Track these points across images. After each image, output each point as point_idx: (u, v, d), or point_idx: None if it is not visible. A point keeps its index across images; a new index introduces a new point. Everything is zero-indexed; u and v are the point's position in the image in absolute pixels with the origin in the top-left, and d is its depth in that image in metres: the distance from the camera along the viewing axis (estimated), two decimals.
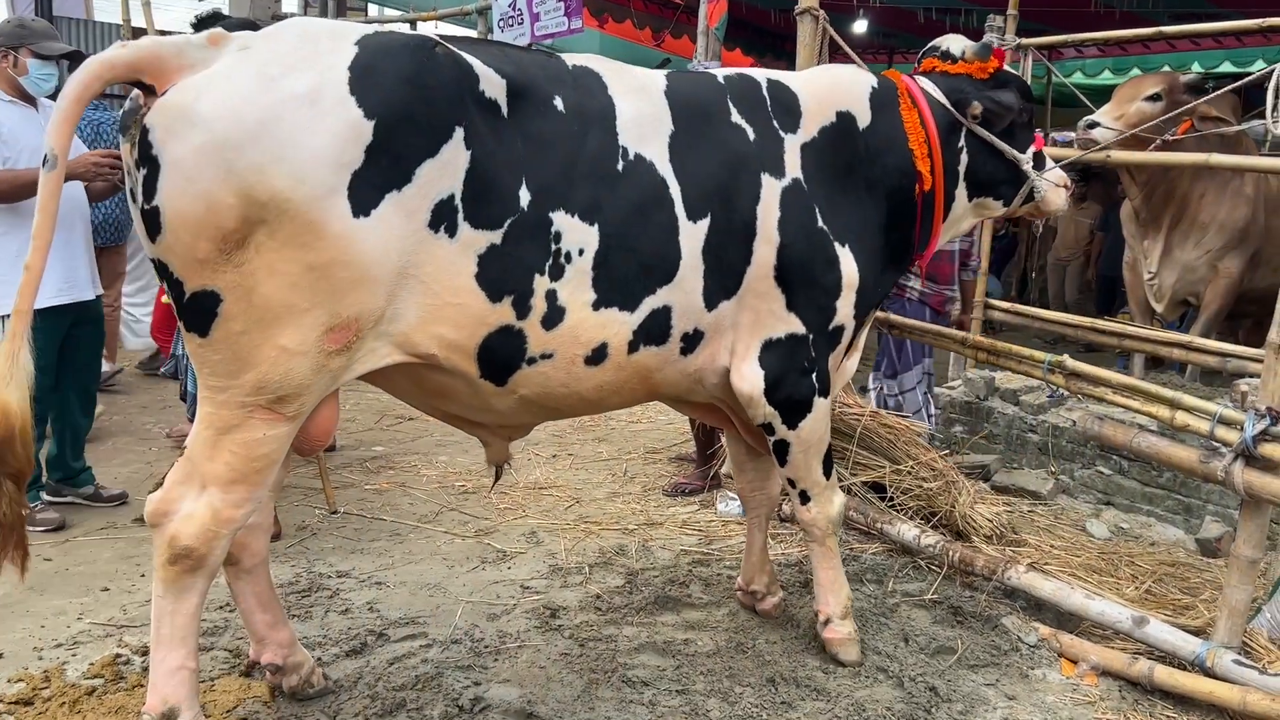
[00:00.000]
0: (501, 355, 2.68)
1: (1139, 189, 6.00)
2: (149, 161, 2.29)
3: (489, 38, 8.88)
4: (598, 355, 2.81)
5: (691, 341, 3.00)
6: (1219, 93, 4.39)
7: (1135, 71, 9.50)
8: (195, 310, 2.38)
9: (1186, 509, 5.07)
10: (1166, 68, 8.03)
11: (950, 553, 4.12)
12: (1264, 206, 6.05)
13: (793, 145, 3.09)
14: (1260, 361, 4.93)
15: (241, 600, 3.04)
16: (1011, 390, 5.89)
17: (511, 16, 8.85)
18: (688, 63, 8.26)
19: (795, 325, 3.12)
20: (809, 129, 3.13)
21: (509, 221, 2.57)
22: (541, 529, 4.73)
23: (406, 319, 2.52)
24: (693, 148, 2.90)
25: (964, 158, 3.40)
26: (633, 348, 2.86)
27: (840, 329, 3.23)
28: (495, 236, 2.56)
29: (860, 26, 12.73)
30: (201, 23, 3.96)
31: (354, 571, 4.14)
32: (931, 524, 4.59)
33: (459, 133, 2.47)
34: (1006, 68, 3.47)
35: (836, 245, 3.12)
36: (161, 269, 2.40)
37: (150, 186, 2.30)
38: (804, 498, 3.45)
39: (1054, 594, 3.80)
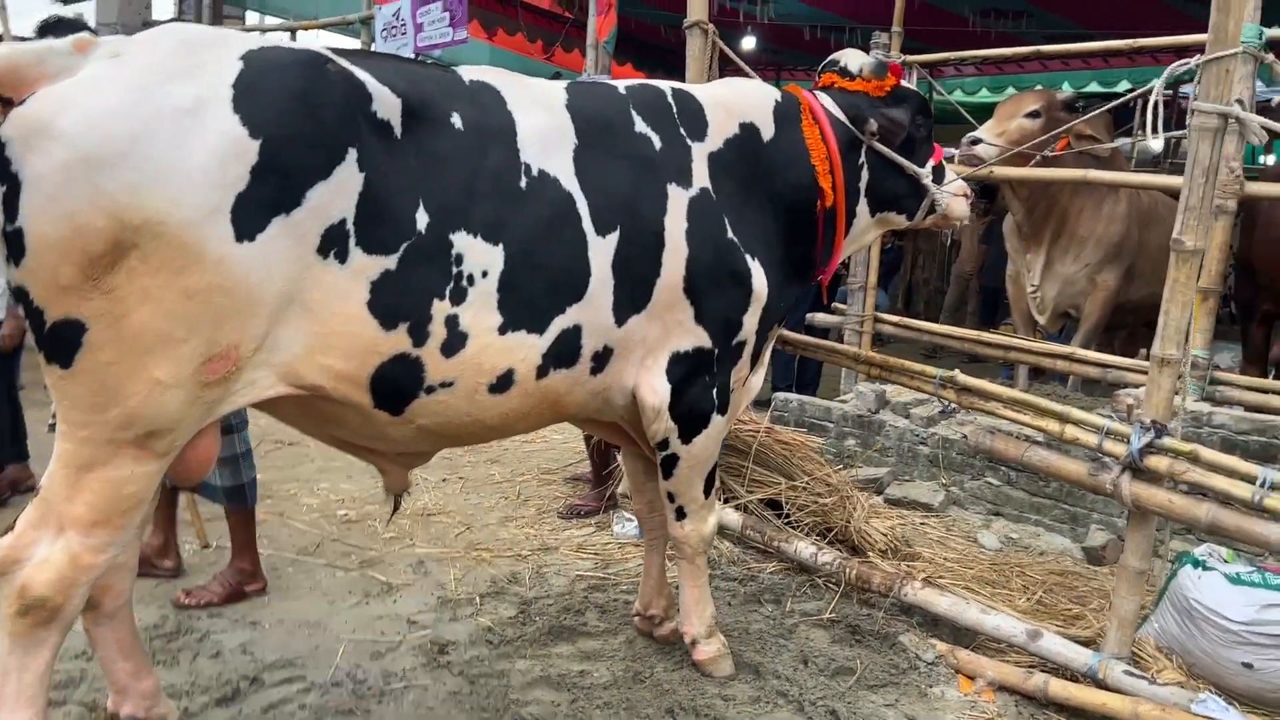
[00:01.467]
0: (397, 385, 2.55)
1: (1021, 204, 6.14)
2: (7, 179, 2.09)
3: (371, 48, 8.64)
4: (503, 382, 2.70)
5: (601, 360, 2.91)
6: (1096, 112, 4.48)
7: (1010, 90, 9.80)
8: (57, 340, 2.18)
9: (1073, 518, 5.16)
10: (1039, 87, 8.26)
11: (847, 570, 4.09)
12: (1137, 221, 6.25)
13: (700, 154, 3.04)
14: (1140, 372, 5.10)
15: (100, 648, 2.79)
16: (903, 403, 5.93)
17: (395, 26, 8.62)
18: (578, 76, 8.15)
19: (702, 338, 3.06)
20: (715, 139, 3.09)
21: (405, 245, 2.45)
22: (430, 558, 4.53)
23: (291, 349, 2.38)
24: (598, 160, 2.82)
25: (865, 174, 3.40)
26: (542, 372, 2.76)
27: (743, 344, 3.20)
28: (390, 262, 2.44)
29: (749, 43, 12.86)
30: (46, 28, 3.68)
31: (226, 611, 3.88)
32: (828, 540, 4.56)
33: (352, 154, 2.35)
34: (904, 84, 3.47)
35: (746, 257, 3.08)
36: (20, 295, 2.19)
37: (11, 206, 2.10)
38: (680, 513, 3.39)
39: (949, 609, 3.80)
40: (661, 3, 10.90)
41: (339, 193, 2.34)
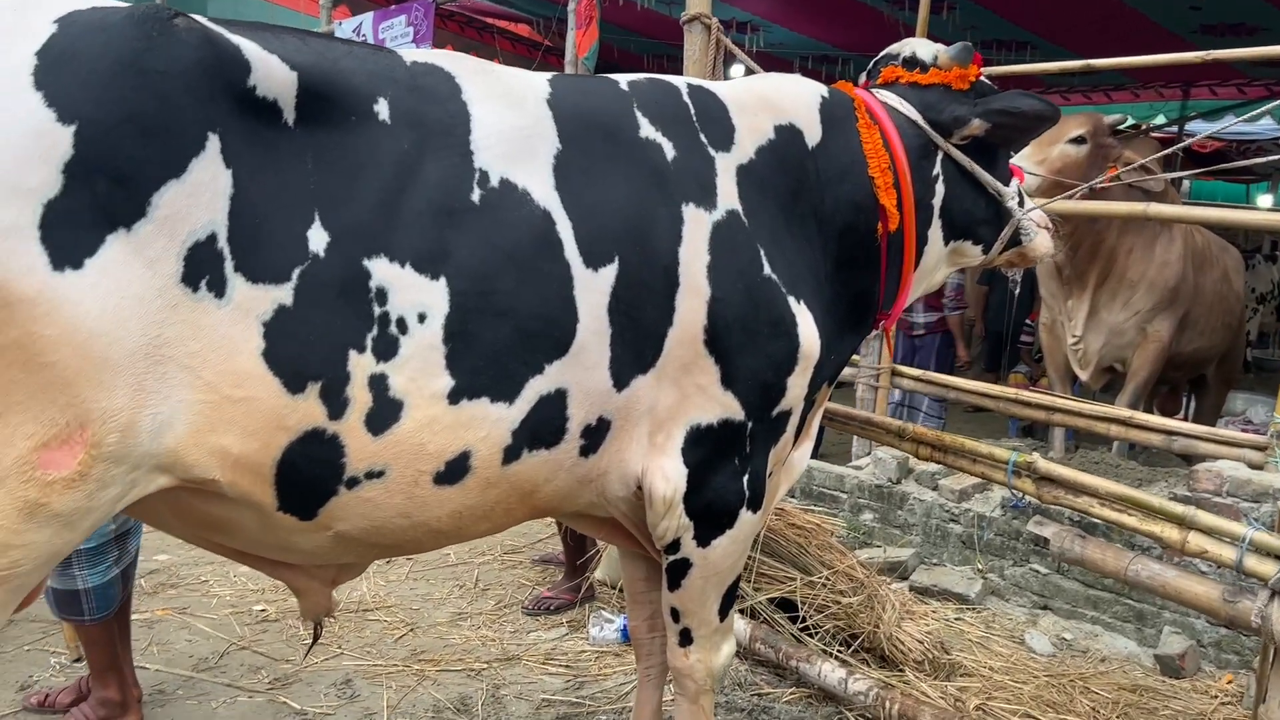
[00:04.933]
0: (309, 475, 1.81)
1: (1062, 242, 5.34)
2: None
3: None
4: (455, 470, 1.93)
5: (595, 436, 2.11)
6: (1213, 130, 3.70)
7: None
8: None
9: (1139, 615, 4.33)
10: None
11: (887, 704, 3.22)
12: (1192, 263, 5.49)
13: (726, 167, 2.24)
14: (1218, 442, 4.28)
15: None
16: (929, 473, 5.09)
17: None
18: None
19: (731, 408, 2.23)
20: (745, 147, 2.29)
21: (299, 271, 1.73)
22: (360, 674, 3.63)
23: (173, 428, 1.67)
24: (589, 171, 2.07)
25: (939, 189, 2.58)
26: (511, 455, 1.99)
27: (786, 415, 2.36)
28: (284, 294, 1.72)
29: (738, 72, 12.22)
30: None
31: None
32: (852, 649, 3.72)
33: (214, 142, 1.66)
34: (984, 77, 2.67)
35: (789, 299, 2.26)
36: None
37: None
38: (685, 637, 2.53)
39: None
40: (644, 30, 10.26)
41: (200, 196, 1.65)
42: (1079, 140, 5.10)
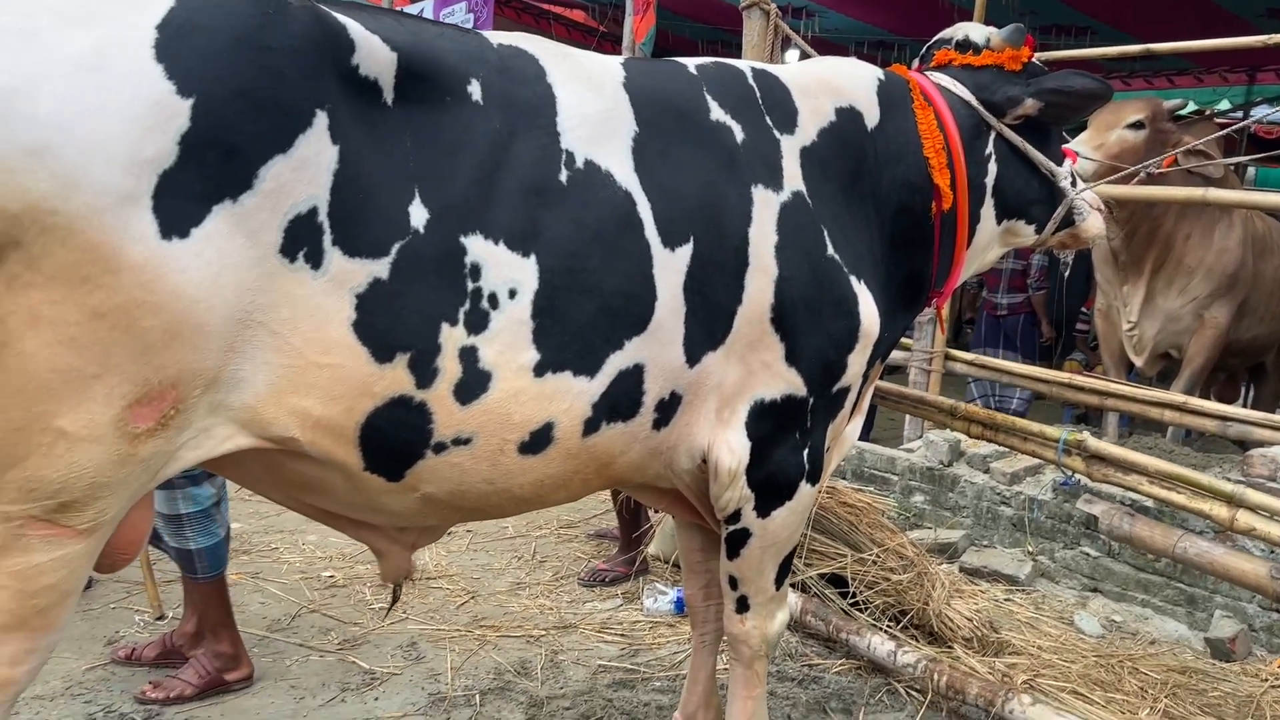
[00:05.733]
0: (396, 439, 1.90)
1: (1119, 228, 5.33)
2: None
3: None
4: (539, 440, 2.02)
5: (667, 410, 2.21)
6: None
7: None
8: None
9: (1190, 599, 4.35)
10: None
11: (935, 675, 3.29)
12: (1252, 250, 5.44)
13: (791, 149, 2.33)
14: (1273, 428, 4.28)
15: None
16: (980, 456, 5.13)
17: None
18: None
19: (795, 384, 2.33)
20: (807, 130, 2.38)
21: (398, 247, 1.81)
22: (424, 638, 3.78)
23: (254, 387, 1.76)
24: (665, 153, 2.15)
25: (992, 168, 2.66)
26: (591, 427, 2.08)
27: (845, 391, 2.46)
28: (380, 268, 1.80)
29: (792, 56, 12.21)
30: None
31: (168, 710, 3.15)
32: (901, 625, 3.79)
33: (321, 119, 1.73)
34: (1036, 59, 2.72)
35: (851, 279, 2.36)
36: None
37: None
38: (742, 604, 2.63)
39: None
40: (699, 15, 10.25)
41: (305, 171, 1.72)
42: (1137, 125, 5.08)
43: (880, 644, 3.50)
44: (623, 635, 3.92)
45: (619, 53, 7.26)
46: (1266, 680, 3.87)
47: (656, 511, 4.65)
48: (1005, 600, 4.47)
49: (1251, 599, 4.19)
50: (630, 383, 2.10)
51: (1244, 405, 7.02)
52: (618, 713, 3.27)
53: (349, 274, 1.78)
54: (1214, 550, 2.71)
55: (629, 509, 4.49)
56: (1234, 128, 4.52)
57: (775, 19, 3.69)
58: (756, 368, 2.30)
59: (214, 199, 1.64)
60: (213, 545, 3.23)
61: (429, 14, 8.59)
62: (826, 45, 11.47)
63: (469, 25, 8.03)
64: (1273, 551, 2.65)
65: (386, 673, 3.49)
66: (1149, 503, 3.45)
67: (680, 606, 4.11)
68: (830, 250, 2.32)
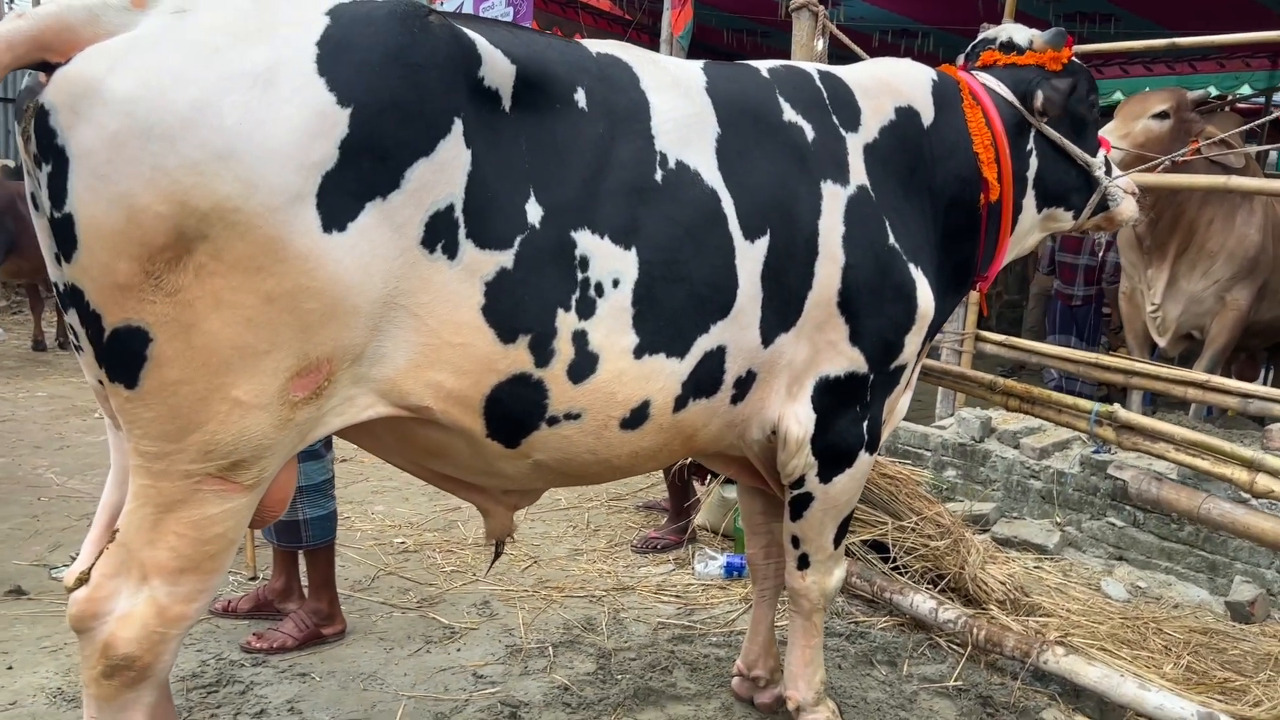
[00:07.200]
0: (515, 411, 2.17)
1: (1144, 214, 5.55)
2: (53, 154, 1.72)
3: None
4: (637, 416, 2.29)
5: (744, 386, 2.48)
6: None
7: (1118, 95, 9.17)
8: (118, 352, 1.82)
9: (1211, 566, 4.59)
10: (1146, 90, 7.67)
11: (974, 630, 3.56)
12: (1272, 234, 5.65)
13: (855, 146, 2.59)
14: None
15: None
16: (1010, 432, 5.38)
17: None
18: None
19: (858, 361, 2.61)
20: (870, 128, 2.64)
21: (520, 240, 2.07)
22: (495, 597, 4.08)
23: (394, 361, 2.02)
24: (744, 152, 2.40)
25: (1033, 162, 2.93)
26: (680, 404, 2.34)
27: (903, 368, 2.74)
28: (506, 259, 2.05)
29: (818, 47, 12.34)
30: None
31: (273, 659, 3.45)
32: (939, 588, 4.06)
33: (458, 125, 1.98)
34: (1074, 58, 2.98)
35: (910, 266, 2.63)
36: (74, 297, 1.82)
37: (58, 188, 1.73)
38: (803, 562, 2.91)
39: (1100, 682, 3.26)
40: (735, 7, 10.41)
41: (444, 172, 1.97)
42: (1161, 115, 5.29)
43: (922, 602, 3.77)
44: (677, 596, 4.20)
45: (654, 45, 7.48)
46: None
47: (705, 483, 4.93)
48: (1035, 568, 4.72)
49: (1270, 565, 4.43)
50: (714, 363, 2.36)
51: (1264, 384, 7.24)
52: (680, 663, 3.56)
53: (479, 264, 2.03)
54: (1235, 511, 2.96)
55: (681, 479, 4.76)
56: (1257, 122, 4.71)
57: (824, 20, 3.93)
58: (823, 347, 2.56)
59: (367, 197, 1.88)
60: (321, 516, 3.56)
61: (468, 7, 8.81)
62: (852, 34, 11.56)
63: (509, 18, 8.25)
64: None
65: (465, 628, 3.78)
66: (1173, 475, 3.69)
67: (729, 571, 4.39)
68: (892, 240, 2.58)
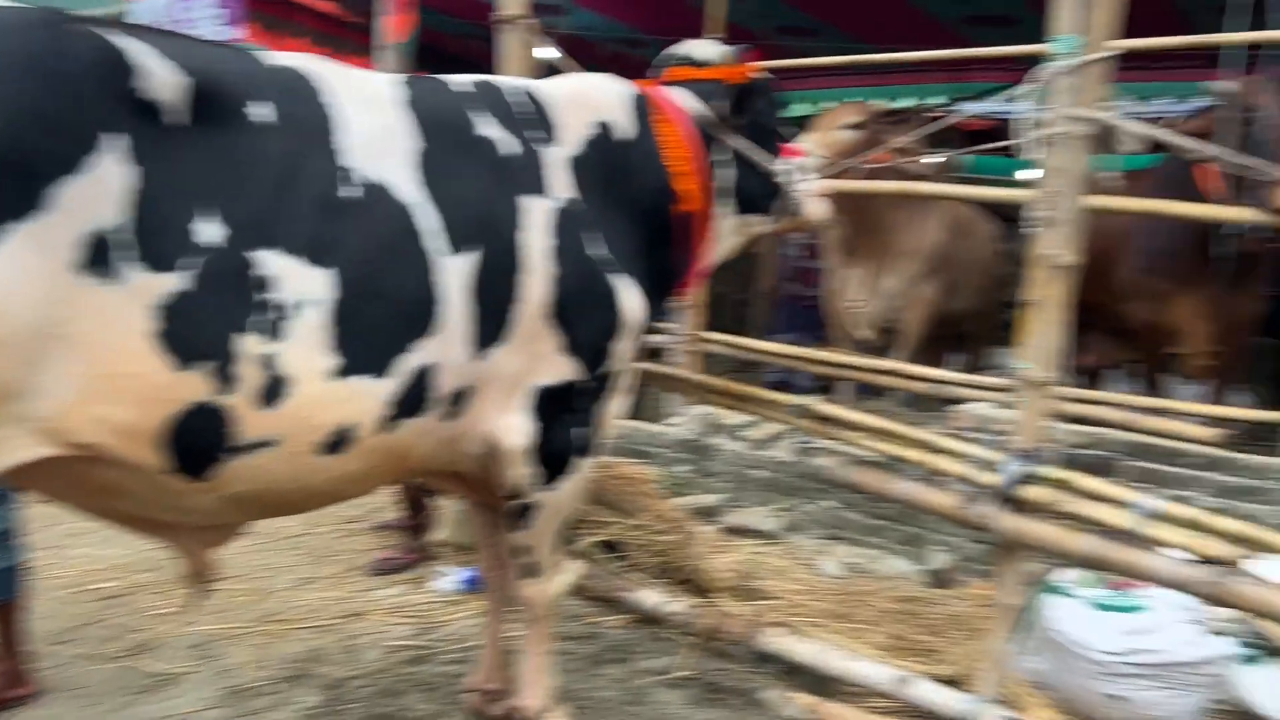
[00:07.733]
0: (199, 442, 2.04)
1: (837, 216, 5.99)
2: None
3: None
4: (340, 440, 2.21)
5: (458, 402, 2.46)
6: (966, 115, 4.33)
7: (823, 105, 9.82)
8: None
9: (912, 539, 5.01)
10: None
11: (699, 620, 3.72)
12: (953, 234, 6.26)
13: (557, 159, 2.64)
14: (972, 387, 5.00)
15: None
16: (733, 426, 5.65)
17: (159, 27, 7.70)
18: None
19: (572, 370, 2.65)
20: (572, 141, 2.69)
21: (195, 260, 1.95)
22: (214, 637, 3.84)
23: (57, 397, 1.85)
24: (445, 166, 2.38)
25: (722, 171, 3.08)
26: (387, 424, 2.28)
27: (617, 374, 2.81)
28: (180, 281, 1.93)
29: (551, 53, 12.46)
30: None
31: None
32: (672, 582, 4.21)
33: (110, 141, 1.84)
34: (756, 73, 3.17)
35: (618, 276, 2.69)
36: None
37: None
38: (528, 570, 2.94)
39: (812, 657, 3.49)
40: (461, 12, 10.33)
41: (97, 190, 1.83)
42: (852, 127, 5.74)
43: (650, 598, 3.89)
44: (414, 617, 4.12)
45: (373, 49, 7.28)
46: (972, 600, 4.55)
47: (439, 498, 4.86)
48: (760, 553, 4.99)
49: (963, 535, 4.89)
50: (422, 380, 2.33)
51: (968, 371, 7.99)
52: (414, 686, 3.49)
53: (149, 287, 1.91)
54: (917, 489, 3.25)
55: (412, 498, 4.67)
56: (930, 128, 5.18)
57: (538, 32, 3.96)
58: (537, 358, 2.58)
59: (6, 218, 1.73)
60: (7, 569, 3.24)
61: (174, 11, 8.26)
62: (577, 43, 11.79)
63: (221, 20, 7.81)
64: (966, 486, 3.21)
65: (179, 673, 3.54)
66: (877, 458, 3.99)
67: (472, 585, 4.35)
68: (598, 250, 2.64)
